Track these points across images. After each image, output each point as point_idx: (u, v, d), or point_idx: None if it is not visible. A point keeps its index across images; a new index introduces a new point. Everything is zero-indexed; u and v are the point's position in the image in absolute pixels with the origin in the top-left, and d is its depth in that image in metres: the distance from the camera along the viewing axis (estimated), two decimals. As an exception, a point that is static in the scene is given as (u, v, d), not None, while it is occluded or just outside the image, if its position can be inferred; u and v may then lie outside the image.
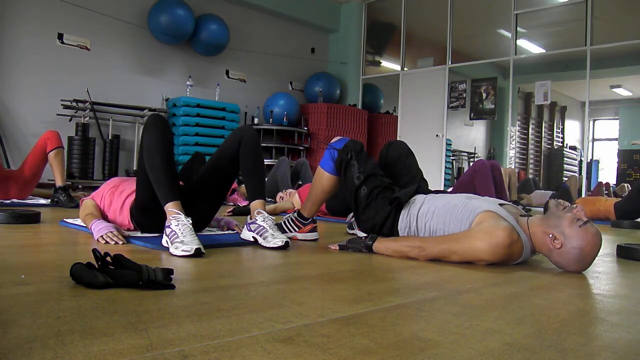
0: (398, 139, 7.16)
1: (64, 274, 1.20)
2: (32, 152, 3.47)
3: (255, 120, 7.42)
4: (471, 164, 7.82)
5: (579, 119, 10.77)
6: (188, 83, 6.56)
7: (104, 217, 2.11)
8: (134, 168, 5.89)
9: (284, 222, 2.32)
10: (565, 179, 8.41)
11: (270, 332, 0.89)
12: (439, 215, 1.91)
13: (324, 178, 2.20)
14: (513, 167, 8.59)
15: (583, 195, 6.75)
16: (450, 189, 5.16)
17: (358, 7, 8.66)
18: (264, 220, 2.00)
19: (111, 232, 1.88)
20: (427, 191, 2.14)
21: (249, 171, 2.09)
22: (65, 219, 2.44)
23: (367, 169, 2.09)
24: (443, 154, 7.62)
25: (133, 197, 2.06)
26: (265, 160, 2.56)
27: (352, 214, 2.80)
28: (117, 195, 2.13)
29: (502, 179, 4.64)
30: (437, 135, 7.67)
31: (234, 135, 2.11)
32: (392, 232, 2.04)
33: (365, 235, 2.09)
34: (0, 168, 3.60)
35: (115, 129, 6.12)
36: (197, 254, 1.65)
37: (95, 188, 2.27)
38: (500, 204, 1.86)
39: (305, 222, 2.29)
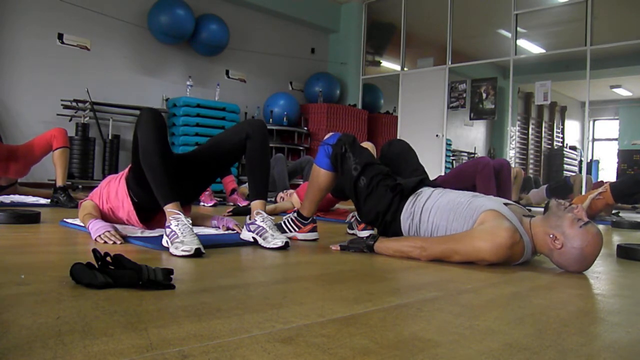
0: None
1: (64, 274, 1.20)
2: (39, 140, 3.45)
3: (256, 120, 7.41)
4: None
5: (579, 119, 10.76)
6: (188, 83, 6.56)
7: (103, 216, 2.12)
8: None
9: (284, 222, 2.32)
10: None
11: (270, 332, 0.89)
12: (443, 211, 1.90)
13: (320, 175, 2.20)
14: (513, 167, 8.59)
15: (584, 194, 6.75)
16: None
17: (358, 7, 8.66)
18: (263, 221, 2.00)
19: (109, 231, 1.88)
20: (435, 185, 2.12)
21: (254, 170, 2.09)
22: (65, 219, 2.44)
23: (363, 159, 2.09)
24: (443, 154, 7.61)
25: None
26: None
27: (351, 214, 2.80)
28: (113, 182, 2.15)
29: (510, 179, 4.53)
30: (437, 135, 7.67)
31: (242, 127, 2.10)
32: (395, 220, 2.02)
33: (366, 235, 2.09)
34: (4, 146, 3.56)
35: (115, 129, 6.11)
36: (197, 254, 1.66)
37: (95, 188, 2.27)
38: (505, 204, 1.85)
39: (305, 222, 2.29)
